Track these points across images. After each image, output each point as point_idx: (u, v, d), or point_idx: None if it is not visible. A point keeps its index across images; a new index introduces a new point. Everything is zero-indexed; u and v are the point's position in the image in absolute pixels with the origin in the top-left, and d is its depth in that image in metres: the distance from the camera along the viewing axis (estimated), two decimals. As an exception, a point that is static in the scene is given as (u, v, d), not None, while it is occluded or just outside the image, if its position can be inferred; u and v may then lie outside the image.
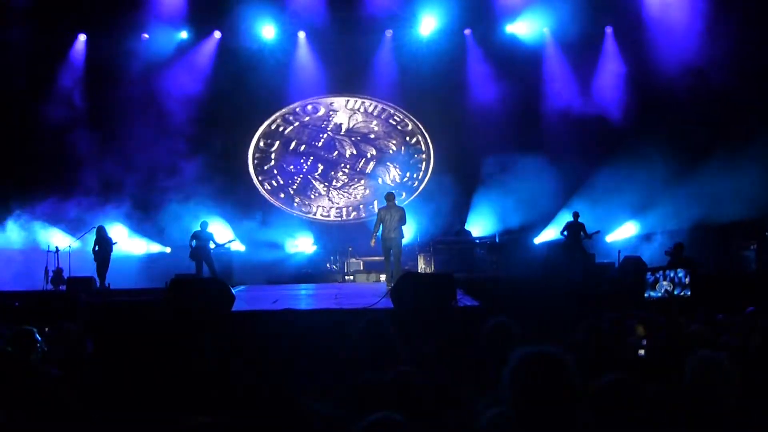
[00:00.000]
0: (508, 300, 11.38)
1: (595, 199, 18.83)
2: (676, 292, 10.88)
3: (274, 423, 4.66)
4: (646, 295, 11.33)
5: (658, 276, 11.40)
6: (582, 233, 17.12)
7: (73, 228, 18.36)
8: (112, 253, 17.16)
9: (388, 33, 21.20)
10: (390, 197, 14.58)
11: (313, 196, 21.86)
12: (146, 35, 20.38)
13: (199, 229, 17.09)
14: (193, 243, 16.87)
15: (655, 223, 18.57)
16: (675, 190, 17.72)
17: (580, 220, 17.30)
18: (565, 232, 17.24)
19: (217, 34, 20.99)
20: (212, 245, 17.04)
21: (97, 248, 16.96)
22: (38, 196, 18.47)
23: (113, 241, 17.28)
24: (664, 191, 18.05)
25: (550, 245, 17.76)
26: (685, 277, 10.91)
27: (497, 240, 19.30)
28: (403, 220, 14.27)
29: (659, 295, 11.08)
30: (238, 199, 20.56)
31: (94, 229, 17.28)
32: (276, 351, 7.17)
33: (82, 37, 20.59)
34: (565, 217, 18.18)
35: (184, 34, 20.91)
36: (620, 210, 18.76)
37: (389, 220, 14.16)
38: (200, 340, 7.90)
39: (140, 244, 19.52)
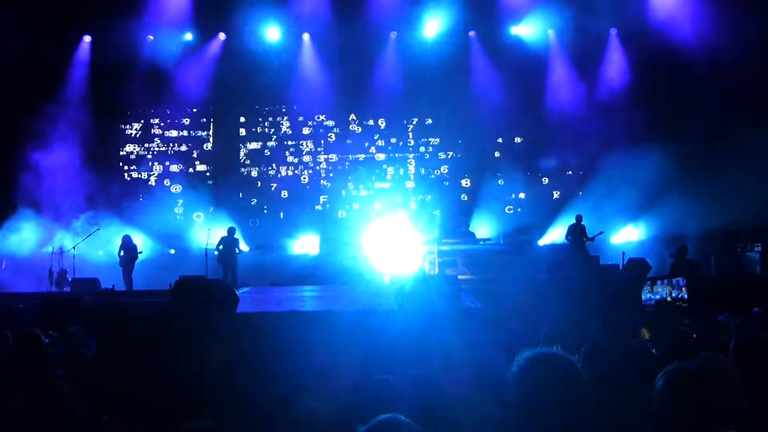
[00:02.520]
0: (513, 302, 11.38)
1: (598, 200, 18.83)
2: (673, 295, 10.89)
3: (279, 425, 4.66)
4: (644, 298, 11.35)
5: (656, 281, 11.46)
6: (584, 237, 17.10)
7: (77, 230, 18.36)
8: (136, 260, 17.34)
9: (393, 35, 21.18)
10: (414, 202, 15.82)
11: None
12: (151, 37, 20.40)
13: (226, 234, 17.20)
14: (221, 248, 17.02)
15: (658, 225, 18.53)
16: (679, 190, 17.72)
17: (582, 222, 17.33)
18: (569, 237, 17.21)
19: (222, 36, 21.00)
20: (237, 251, 17.24)
21: (122, 253, 17.15)
22: (41, 197, 18.53)
23: (138, 250, 17.43)
24: (669, 192, 18.03)
25: (554, 247, 17.73)
26: (683, 281, 10.93)
27: (501, 242, 19.26)
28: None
29: (657, 298, 11.11)
30: (242, 199, 20.56)
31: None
32: (280, 352, 7.17)
33: (87, 39, 20.60)
34: (568, 219, 18.18)
35: (188, 36, 20.93)
36: (625, 211, 18.71)
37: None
38: (204, 341, 7.90)
39: (144, 245, 19.55)
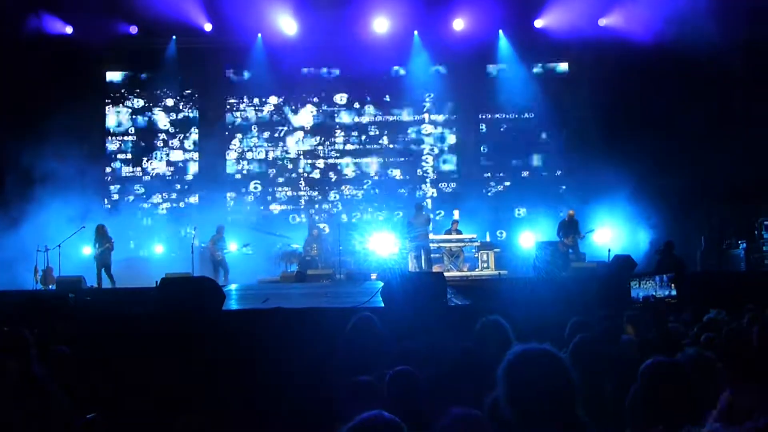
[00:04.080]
0: (499, 299, 11.41)
1: (586, 198, 18.93)
2: (660, 292, 10.96)
3: (265, 422, 4.66)
4: (633, 295, 11.40)
5: (643, 278, 11.53)
6: (575, 233, 17.20)
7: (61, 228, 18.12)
8: (112, 252, 17.05)
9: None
10: (419, 207, 17.51)
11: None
12: (134, 27, 20.21)
13: (215, 233, 17.29)
14: (211, 246, 17.17)
15: (645, 221, 18.61)
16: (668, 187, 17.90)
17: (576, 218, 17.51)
18: (561, 234, 17.30)
19: (208, 27, 20.41)
20: (226, 250, 17.38)
21: (97, 246, 16.88)
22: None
23: (112, 239, 17.05)
24: (656, 189, 18.17)
25: (540, 244, 17.78)
26: (669, 277, 11.01)
27: (487, 239, 19.27)
28: (428, 224, 17.24)
29: (645, 294, 11.17)
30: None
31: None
32: (266, 350, 7.17)
33: (69, 29, 20.17)
34: (556, 218, 18.30)
35: (174, 32, 20.65)
36: (611, 208, 18.77)
37: (418, 225, 16.76)
38: (191, 339, 7.88)
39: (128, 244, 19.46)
